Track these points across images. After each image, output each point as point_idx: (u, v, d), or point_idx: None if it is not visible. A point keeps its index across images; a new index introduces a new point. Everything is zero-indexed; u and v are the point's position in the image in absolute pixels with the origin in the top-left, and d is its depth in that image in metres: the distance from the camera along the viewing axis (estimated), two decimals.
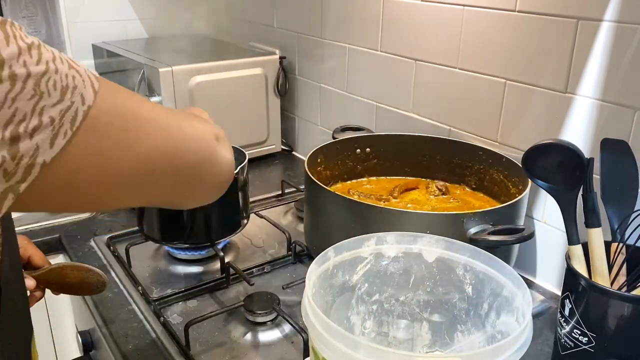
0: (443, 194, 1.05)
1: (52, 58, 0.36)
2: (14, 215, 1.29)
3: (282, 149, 1.56)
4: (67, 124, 0.37)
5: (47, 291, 0.78)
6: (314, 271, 0.60)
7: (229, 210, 1.00)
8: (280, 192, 1.31)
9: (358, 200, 0.94)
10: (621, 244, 0.70)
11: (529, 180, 0.82)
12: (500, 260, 0.61)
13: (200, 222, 0.98)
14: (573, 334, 0.70)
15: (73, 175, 0.39)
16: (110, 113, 0.40)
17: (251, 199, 1.20)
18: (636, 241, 0.68)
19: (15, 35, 0.34)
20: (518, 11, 0.91)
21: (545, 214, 0.95)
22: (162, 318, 0.86)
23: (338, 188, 1.10)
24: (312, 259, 0.70)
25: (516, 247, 0.92)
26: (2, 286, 0.50)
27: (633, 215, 0.70)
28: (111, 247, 1.06)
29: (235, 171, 0.93)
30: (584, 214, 0.71)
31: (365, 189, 1.09)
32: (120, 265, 1.01)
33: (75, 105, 0.37)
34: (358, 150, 1.12)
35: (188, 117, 0.53)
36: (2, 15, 1.55)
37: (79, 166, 0.38)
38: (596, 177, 0.71)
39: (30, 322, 0.59)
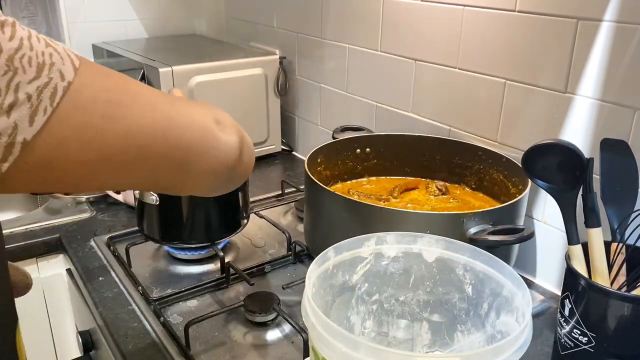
0: (443, 194, 1.05)
1: (27, 36, 0.36)
2: (14, 214, 1.29)
3: (282, 149, 1.56)
4: (46, 100, 0.36)
5: (47, 292, 0.77)
6: (314, 271, 0.60)
7: (229, 210, 1.00)
8: (280, 192, 1.31)
9: (358, 200, 0.94)
10: (621, 244, 0.70)
11: (529, 180, 0.82)
12: (500, 260, 0.61)
13: (200, 222, 0.98)
14: (573, 333, 0.70)
15: (58, 152, 0.37)
16: (95, 87, 0.39)
17: (251, 199, 1.20)
18: (636, 241, 0.68)
19: None
20: (518, 11, 0.91)
21: (545, 214, 0.95)
22: (162, 318, 0.86)
23: (338, 188, 1.10)
24: (312, 259, 0.70)
25: (516, 247, 0.92)
26: None
27: (633, 215, 0.70)
28: (111, 247, 1.06)
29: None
30: (583, 214, 0.71)
31: (365, 189, 1.09)
32: (120, 265, 1.01)
33: (54, 81, 0.36)
34: (358, 150, 1.12)
35: (182, 100, 0.50)
36: None
37: (64, 143, 0.37)
38: (596, 177, 0.71)
39: (14, 312, 0.58)
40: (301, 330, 0.79)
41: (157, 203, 0.95)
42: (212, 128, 0.50)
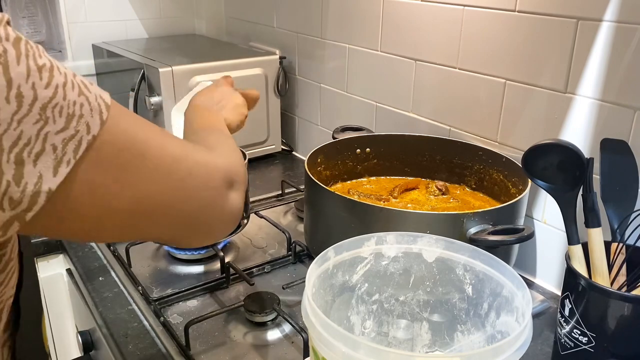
0: (443, 194, 1.05)
1: (62, 83, 0.36)
2: None
3: (282, 149, 1.56)
4: (70, 152, 0.36)
5: (47, 292, 0.77)
6: (314, 271, 0.60)
7: None
8: (280, 192, 1.31)
9: (358, 200, 0.94)
10: (621, 244, 0.70)
11: (529, 180, 0.82)
12: (500, 260, 0.61)
13: None
14: (573, 333, 0.70)
15: (71, 206, 0.38)
16: (115, 146, 0.39)
17: (251, 199, 1.20)
18: (636, 241, 0.68)
19: (27, 55, 0.34)
20: (518, 11, 0.91)
21: (545, 214, 0.95)
22: (162, 318, 0.86)
23: (338, 188, 1.10)
24: (312, 259, 0.70)
25: (516, 247, 0.92)
26: (24, 266, 0.50)
27: (633, 215, 0.70)
28: (111, 247, 1.06)
29: None
30: (583, 214, 0.71)
31: (365, 189, 1.09)
32: (120, 265, 1.01)
33: (79, 134, 0.36)
34: (358, 150, 1.12)
35: (204, 154, 0.51)
36: None
37: (77, 197, 0.38)
38: (596, 177, 0.71)
39: (41, 304, 0.60)
40: (301, 330, 0.79)
41: None
42: (222, 194, 0.51)
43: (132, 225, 0.43)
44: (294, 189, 1.31)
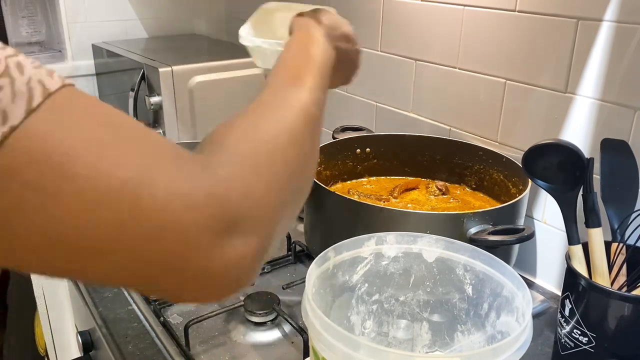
0: (443, 194, 1.05)
1: None
2: None
3: None
4: None
5: (47, 292, 0.78)
6: (314, 271, 0.60)
7: None
8: None
9: (358, 200, 0.94)
10: (621, 244, 0.70)
11: (529, 180, 0.82)
12: (500, 260, 0.61)
13: None
14: (573, 334, 0.70)
15: None
16: (32, 150, 0.28)
17: None
18: (636, 241, 0.68)
19: None
20: (518, 11, 0.91)
21: (545, 214, 0.95)
22: (162, 318, 0.86)
23: (338, 188, 1.10)
24: (312, 259, 0.70)
25: (516, 247, 0.92)
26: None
27: (633, 215, 0.70)
28: None
29: None
30: (584, 214, 0.71)
31: (365, 189, 1.09)
32: None
33: None
34: (358, 150, 1.12)
35: (185, 176, 0.32)
36: (2, 15, 1.55)
37: None
38: (596, 177, 0.71)
39: (34, 300, 0.59)
40: (301, 330, 0.79)
41: None
42: (201, 244, 0.32)
43: (50, 263, 0.31)
44: None
